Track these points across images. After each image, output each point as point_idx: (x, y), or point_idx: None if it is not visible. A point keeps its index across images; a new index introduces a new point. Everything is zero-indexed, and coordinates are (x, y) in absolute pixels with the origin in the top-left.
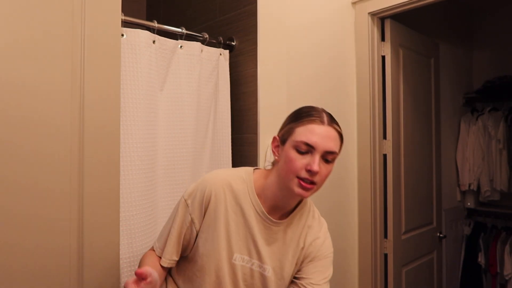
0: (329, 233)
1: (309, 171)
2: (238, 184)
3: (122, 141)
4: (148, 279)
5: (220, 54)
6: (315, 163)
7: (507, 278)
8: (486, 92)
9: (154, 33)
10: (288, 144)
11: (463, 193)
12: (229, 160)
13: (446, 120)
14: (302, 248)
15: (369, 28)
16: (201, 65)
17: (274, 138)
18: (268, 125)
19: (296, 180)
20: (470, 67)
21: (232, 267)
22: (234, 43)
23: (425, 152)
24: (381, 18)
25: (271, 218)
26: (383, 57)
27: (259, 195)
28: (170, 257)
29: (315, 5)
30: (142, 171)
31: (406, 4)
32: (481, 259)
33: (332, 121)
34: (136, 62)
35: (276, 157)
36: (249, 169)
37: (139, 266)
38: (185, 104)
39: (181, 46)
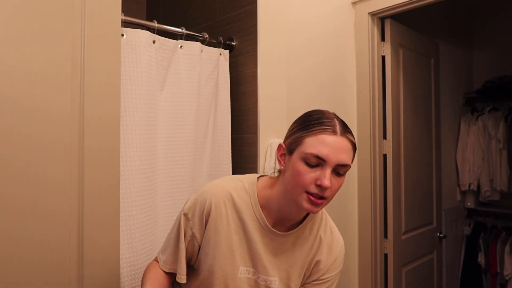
0: (343, 249)
1: (319, 186)
2: (240, 196)
3: (122, 141)
4: None
5: (220, 54)
6: (326, 177)
7: (507, 278)
8: (486, 92)
9: (154, 33)
10: (296, 155)
11: (463, 193)
12: (229, 160)
13: (446, 120)
14: (311, 261)
15: (369, 28)
16: (201, 65)
17: (280, 146)
18: (268, 125)
19: (305, 195)
20: (470, 67)
21: (238, 281)
22: (234, 43)
23: (425, 152)
24: (381, 18)
25: (276, 231)
26: (383, 57)
27: (263, 207)
28: (185, 272)
29: (315, 4)
30: (142, 171)
31: (406, 4)
32: (481, 259)
33: (345, 130)
34: (136, 62)
35: (282, 167)
36: (253, 178)
37: (144, 281)
38: (185, 104)
39: (181, 46)
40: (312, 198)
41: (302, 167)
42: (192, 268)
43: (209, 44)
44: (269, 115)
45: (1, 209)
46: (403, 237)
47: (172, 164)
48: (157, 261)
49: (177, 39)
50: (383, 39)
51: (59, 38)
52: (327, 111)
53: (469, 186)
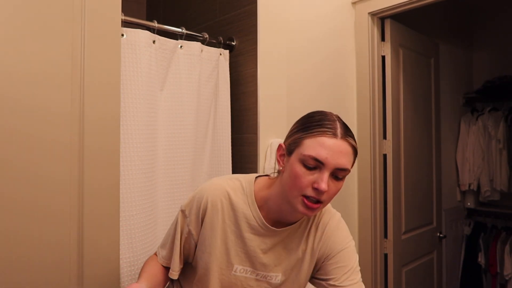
0: (342, 222)
1: (316, 190)
2: (237, 195)
3: (122, 141)
4: None
5: (220, 54)
6: (323, 181)
7: (507, 278)
8: (486, 92)
9: (154, 33)
10: (295, 157)
11: (463, 193)
12: (229, 160)
13: (446, 120)
14: (314, 244)
15: (369, 28)
16: (201, 65)
17: (280, 146)
18: (268, 125)
19: (300, 198)
20: (470, 67)
21: (233, 278)
22: (234, 43)
23: (425, 152)
24: (381, 18)
25: (274, 228)
26: (383, 57)
27: (261, 207)
28: (178, 268)
29: (315, 4)
30: (142, 171)
31: (406, 4)
32: (481, 259)
33: (346, 133)
34: (136, 62)
35: (281, 168)
36: (251, 177)
37: (140, 273)
38: (185, 104)
39: (181, 46)
40: (307, 202)
41: (300, 169)
42: (190, 265)
43: (209, 44)
44: (269, 115)
45: (1, 209)
46: (403, 237)
47: (172, 164)
48: (157, 255)
49: (177, 39)
50: (383, 39)
51: (59, 38)
52: (330, 112)
53: (469, 186)
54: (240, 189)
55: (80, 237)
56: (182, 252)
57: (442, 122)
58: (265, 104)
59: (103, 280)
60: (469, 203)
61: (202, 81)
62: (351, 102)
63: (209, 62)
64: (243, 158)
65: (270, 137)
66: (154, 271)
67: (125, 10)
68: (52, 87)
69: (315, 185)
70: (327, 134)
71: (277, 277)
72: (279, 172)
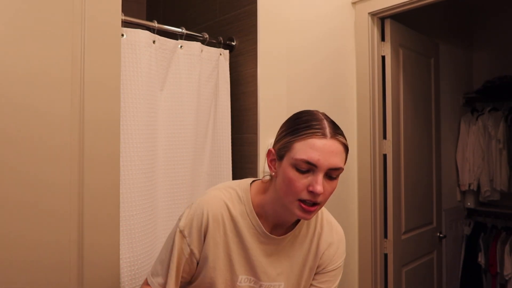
0: (344, 238)
1: (312, 192)
2: (235, 206)
3: (122, 141)
4: None
5: (220, 54)
6: (318, 183)
7: (507, 278)
8: (486, 92)
9: (154, 33)
10: (286, 161)
11: (463, 193)
12: (229, 160)
13: (446, 120)
14: (315, 256)
15: (369, 28)
16: (201, 65)
17: (269, 151)
18: (268, 125)
19: (296, 202)
20: (470, 67)
21: None
22: (234, 43)
23: (425, 152)
24: (381, 18)
25: (275, 236)
26: (383, 57)
27: (259, 214)
28: None
29: (315, 4)
30: (142, 171)
31: (406, 4)
32: (481, 259)
33: (335, 131)
34: (136, 62)
35: (273, 173)
36: (246, 184)
37: None
38: (185, 104)
39: (181, 46)
40: (304, 206)
41: (293, 173)
42: (190, 284)
43: (209, 44)
44: (269, 115)
45: (1, 210)
46: (403, 237)
47: (172, 164)
48: (148, 284)
49: (177, 39)
50: (383, 39)
51: (59, 38)
52: (316, 111)
53: (469, 186)
54: (237, 198)
55: (80, 238)
56: (178, 276)
57: (442, 122)
58: (265, 104)
59: (103, 282)
60: (469, 203)
61: (202, 81)
62: (351, 102)
63: (209, 62)
64: (243, 158)
65: (270, 137)
66: None
67: (125, 10)
68: (52, 87)
69: (310, 188)
70: (316, 135)
71: (280, 286)
72: (271, 175)
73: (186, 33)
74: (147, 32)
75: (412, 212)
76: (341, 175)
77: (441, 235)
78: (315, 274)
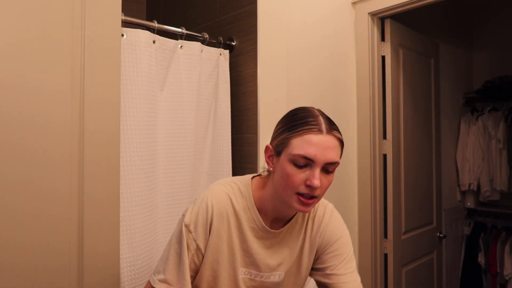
0: (336, 212)
1: (309, 186)
2: (237, 200)
3: (122, 141)
4: None
5: (220, 54)
6: (316, 178)
7: (507, 278)
8: (486, 92)
9: (154, 33)
10: (284, 157)
11: (463, 193)
12: (229, 160)
13: (446, 120)
14: (312, 239)
15: (369, 28)
16: (201, 65)
17: (267, 147)
18: (268, 125)
19: (295, 196)
20: (470, 67)
21: (241, 282)
22: (234, 43)
23: (425, 152)
24: (381, 18)
25: (274, 230)
26: (383, 57)
27: (259, 209)
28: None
29: (315, 4)
30: (142, 171)
31: (406, 4)
32: (481, 259)
33: (331, 127)
34: (136, 62)
35: (271, 169)
36: (247, 180)
37: None
38: (185, 104)
39: (181, 46)
40: (302, 199)
41: (291, 168)
42: (193, 279)
43: (209, 44)
44: (269, 115)
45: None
46: (403, 237)
47: (172, 164)
48: (151, 284)
49: (177, 39)
50: (383, 39)
51: (59, 38)
52: (311, 108)
53: (469, 186)
54: (239, 193)
55: (80, 242)
56: (189, 271)
57: (442, 122)
58: (265, 104)
59: (102, 273)
60: (469, 203)
61: (202, 81)
62: (351, 102)
63: (209, 62)
64: (243, 158)
65: (270, 137)
66: None
67: (125, 10)
68: (52, 86)
69: (308, 182)
70: (312, 131)
71: (280, 275)
72: (269, 171)
73: (186, 33)
74: (147, 32)
75: (412, 212)
76: (341, 175)
77: (441, 235)
78: (322, 255)
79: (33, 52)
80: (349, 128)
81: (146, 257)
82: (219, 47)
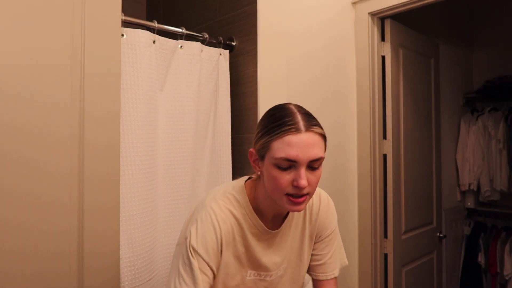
0: (330, 201)
1: (297, 187)
2: (237, 211)
3: (122, 141)
4: None
5: (220, 54)
6: (301, 178)
7: (507, 278)
8: (486, 92)
9: (154, 33)
10: (268, 161)
11: (463, 193)
12: (229, 160)
13: (446, 120)
14: (310, 229)
15: (369, 28)
16: (201, 65)
17: (251, 152)
18: None
19: (285, 197)
20: (470, 67)
21: (248, 283)
22: (234, 43)
23: (425, 152)
24: (381, 18)
25: (275, 231)
26: (383, 57)
27: (257, 212)
28: None
29: (315, 4)
30: (142, 171)
31: (406, 4)
32: (481, 259)
33: (309, 123)
34: (136, 62)
35: (258, 172)
36: (241, 186)
37: None
38: (185, 104)
39: (181, 46)
40: (292, 199)
41: (276, 172)
42: None
43: (209, 44)
44: None
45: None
46: (403, 237)
47: (172, 164)
48: None
49: (177, 39)
50: (383, 39)
51: (59, 38)
52: (288, 105)
53: (469, 186)
54: (236, 203)
55: (80, 242)
56: None
57: (442, 122)
58: (265, 104)
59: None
60: (469, 203)
61: (202, 81)
62: (351, 102)
63: (209, 62)
64: (243, 158)
65: None
66: None
67: (125, 10)
68: (52, 88)
69: (295, 183)
70: (291, 131)
71: (286, 269)
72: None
73: (186, 33)
74: (147, 32)
75: (412, 212)
76: (341, 175)
77: (441, 235)
78: (316, 243)
79: (33, 52)
80: (349, 128)
81: (146, 257)
82: (219, 47)
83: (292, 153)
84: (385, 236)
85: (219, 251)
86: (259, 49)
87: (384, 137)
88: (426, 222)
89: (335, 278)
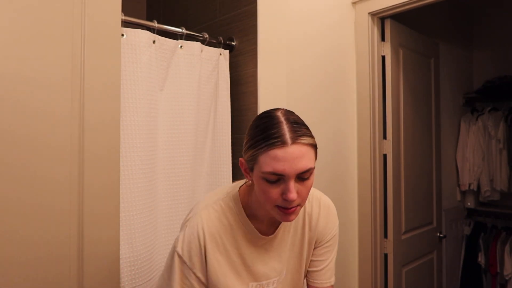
0: (331, 206)
1: (286, 200)
2: (229, 218)
3: (122, 141)
4: None
5: (220, 54)
6: (290, 191)
7: (507, 278)
8: (486, 92)
9: (154, 33)
10: (256, 174)
11: (463, 193)
12: (229, 160)
13: (446, 120)
14: (310, 234)
15: (369, 28)
16: (201, 65)
17: (241, 162)
18: None
19: (276, 209)
20: (470, 67)
21: None
22: (234, 43)
23: (425, 152)
24: (381, 18)
25: (269, 237)
26: (383, 57)
27: (252, 217)
28: None
29: (315, 4)
30: (142, 171)
31: (406, 4)
32: (481, 259)
33: (296, 134)
34: (136, 62)
35: (250, 181)
36: (235, 192)
37: None
38: (185, 104)
39: (181, 46)
40: (283, 210)
41: (264, 185)
42: None
43: (209, 44)
44: None
45: (2, 208)
46: (403, 237)
47: (172, 164)
48: None
49: (177, 39)
50: (383, 39)
51: (59, 38)
52: (275, 113)
53: (469, 186)
54: (228, 210)
55: (80, 242)
56: None
57: (442, 122)
58: (265, 104)
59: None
60: (469, 203)
61: (202, 81)
62: (351, 102)
63: (209, 62)
64: None
65: None
66: None
67: (125, 10)
68: (52, 87)
69: (284, 197)
70: (276, 145)
71: (283, 273)
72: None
73: (186, 33)
74: (147, 32)
75: (412, 212)
76: (341, 175)
77: (441, 235)
78: (315, 248)
79: (34, 52)
80: (349, 128)
81: (146, 257)
82: (219, 47)
83: (278, 167)
84: (385, 236)
85: (203, 258)
86: (259, 49)
87: (384, 137)
88: (426, 222)
89: (332, 286)
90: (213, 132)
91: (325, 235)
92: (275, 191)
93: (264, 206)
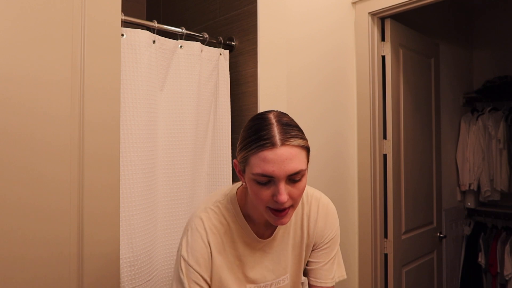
0: (331, 206)
1: (277, 202)
2: (227, 220)
3: (122, 141)
4: None
5: (220, 54)
6: (281, 193)
7: (507, 278)
8: (486, 92)
9: (154, 33)
10: (248, 175)
11: (463, 193)
12: (229, 160)
13: (446, 120)
14: (308, 235)
15: (369, 28)
16: (201, 65)
17: (235, 163)
18: None
19: (268, 212)
20: (470, 67)
21: None
22: (234, 43)
23: (425, 152)
24: (381, 18)
25: (267, 239)
26: (383, 57)
27: (250, 219)
28: None
29: (315, 4)
30: (142, 171)
31: (406, 4)
32: (481, 259)
33: (286, 136)
34: (136, 62)
35: (243, 183)
36: (232, 194)
37: None
38: (185, 104)
39: (181, 46)
40: (275, 212)
41: (256, 187)
42: None
43: (209, 44)
44: None
45: (3, 208)
46: (403, 237)
47: (172, 164)
48: None
49: (177, 39)
50: (383, 39)
51: (59, 38)
52: (267, 114)
53: (469, 186)
54: (226, 213)
55: (80, 242)
56: None
57: (442, 122)
58: (265, 104)
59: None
60: (469, 203)
61: (202, 81)
62: (351, 102)
63: (209, 62)
64: None
65: None
66: None
67: (125, 10)
68: (52, 87)
69: (275, 199)
70: (265, 147)
71: (286, 277)
72: None
73: (186, 33)
74: (147, 32)
75: (412, 212)
76: (341, 174)
77: (441, 235)
78: (313, 250)
79: (34, 52)
80: (349, 128)
81: (146, 257)
82: (219, 47)
83: (268, 169)
84: (385, 236)
85: (210, 260)
86: (259, 49)
87: (384, 137)
88: (426, 222)
89: (332, 286)
90: (213, 132)
91: (323, 236)
92: (266, 193)
93: (258, 207)
